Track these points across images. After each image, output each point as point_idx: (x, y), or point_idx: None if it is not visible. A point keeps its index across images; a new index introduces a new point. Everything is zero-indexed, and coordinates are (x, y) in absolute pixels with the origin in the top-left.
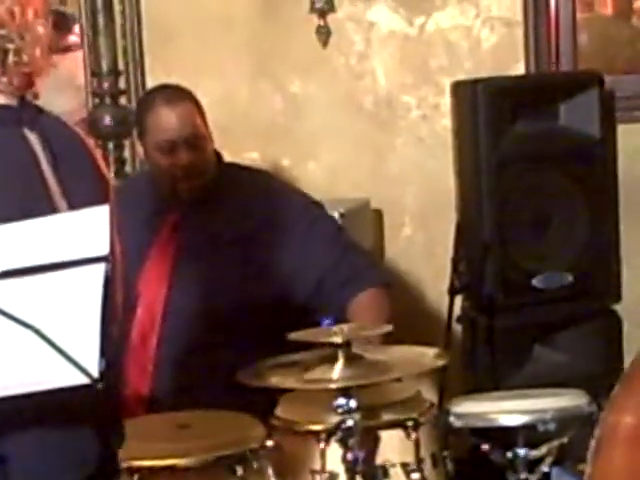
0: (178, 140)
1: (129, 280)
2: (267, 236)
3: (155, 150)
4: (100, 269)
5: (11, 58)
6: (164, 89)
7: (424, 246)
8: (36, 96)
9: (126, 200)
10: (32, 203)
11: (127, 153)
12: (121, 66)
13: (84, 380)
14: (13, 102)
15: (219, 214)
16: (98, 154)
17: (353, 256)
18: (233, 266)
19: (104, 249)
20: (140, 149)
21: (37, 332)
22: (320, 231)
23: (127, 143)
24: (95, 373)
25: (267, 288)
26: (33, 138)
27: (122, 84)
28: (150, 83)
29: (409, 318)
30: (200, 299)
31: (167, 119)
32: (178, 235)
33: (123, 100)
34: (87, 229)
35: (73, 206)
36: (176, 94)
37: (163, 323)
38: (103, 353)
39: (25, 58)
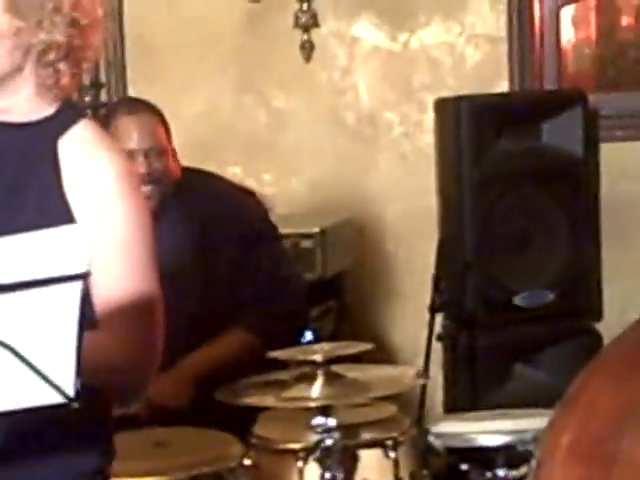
0: (137, 150)
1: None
2: (220, 246)
3: None
4: (77, 287)
5: None
6: (127, 100)
7: (405, 263)
8: None
9: None
10: None
11: None
12: (103, 79)
13: (60, 399)
14: None
15: (174, 221)
16: None
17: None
18: (189, 273)
19: (82, 267)
20: None
21: (12, 350)
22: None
23: None
24: (71, 392)
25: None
26: None
27: (104, 97)
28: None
29: (390, 335)
30: None
31: (127, 128)
32: None
33: None
34: (64, 246)
35: None
36: (137, 104)
37: None
38: (79, 372)
39: None
